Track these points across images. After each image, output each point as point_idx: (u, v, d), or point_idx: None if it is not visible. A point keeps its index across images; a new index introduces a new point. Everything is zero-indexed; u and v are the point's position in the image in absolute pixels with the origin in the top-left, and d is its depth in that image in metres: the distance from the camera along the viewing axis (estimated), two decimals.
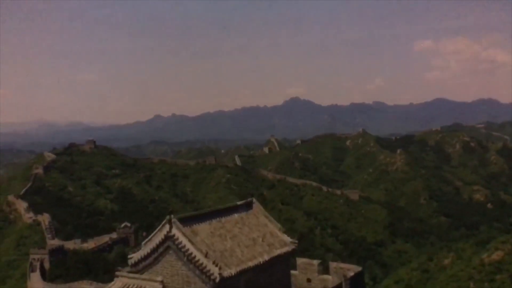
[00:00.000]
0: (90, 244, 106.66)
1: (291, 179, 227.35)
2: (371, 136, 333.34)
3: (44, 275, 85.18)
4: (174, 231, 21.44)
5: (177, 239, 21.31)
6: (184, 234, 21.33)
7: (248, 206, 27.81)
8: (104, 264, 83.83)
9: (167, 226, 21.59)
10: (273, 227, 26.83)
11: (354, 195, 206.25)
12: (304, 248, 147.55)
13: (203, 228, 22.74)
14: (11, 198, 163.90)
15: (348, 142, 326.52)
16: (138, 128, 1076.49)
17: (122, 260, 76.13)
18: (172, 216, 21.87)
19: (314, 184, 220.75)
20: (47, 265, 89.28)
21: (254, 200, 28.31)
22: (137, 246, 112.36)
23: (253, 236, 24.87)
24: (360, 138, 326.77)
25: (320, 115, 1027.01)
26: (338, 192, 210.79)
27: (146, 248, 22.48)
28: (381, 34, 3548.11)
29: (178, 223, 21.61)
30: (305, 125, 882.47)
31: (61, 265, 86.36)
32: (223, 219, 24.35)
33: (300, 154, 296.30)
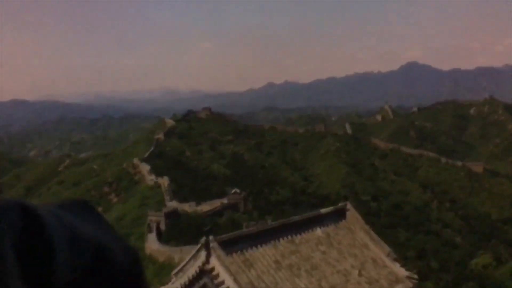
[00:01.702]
0: (204, 207, 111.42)
1: (405, 149, 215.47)
2: (500, 103, 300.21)
3: (160, 236, 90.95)
4: (213, 262, 14.37)
5: (217, 276, 14.11)
6: (227, 269, 13.94)
7: (339, 215, 18.56)
8: (215, 229, 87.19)
9: (203, 254, 14.72)
10: (378, 251, 17.78)
11: (477, 168, 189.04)
12: (419, 222, 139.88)
13: (263, 253, 15.08)
14: (136, 161, 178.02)
15: (472, 110, 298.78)
16: (252, 95, 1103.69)
17: (232, 226, 78.50)
18: (211, 236, 14.94)
19: (432, 154, 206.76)
20: (163, 227, 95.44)
21: (348, 205, 19.24)
22: (246, 212, 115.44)
23: (345, 266, 16.30)
24: (486, 105, 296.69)
25: (440, 80, 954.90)
26: (459, 164, 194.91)
27: (176, 284, 15.78)
28: None
29: (219, 249, 14.26)
30: (423, 92, 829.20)
31: (176, 228, 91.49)
32: (297, 238, 16.09)
33: (416, 123, 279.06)
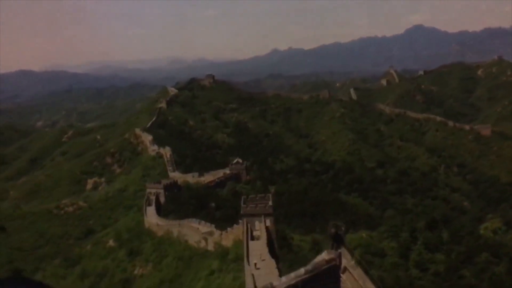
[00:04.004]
0: (207, 178, 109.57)
1: (411, 113, 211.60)
2: (509, 63, 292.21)
3: (159, 209, 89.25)
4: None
5: None
6: None
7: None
8: (216, 200, 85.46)
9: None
10: None
11: (485, 130, 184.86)
12: (427, 187, 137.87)
13: None
14: (138, 131, 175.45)
15: (479, 71, 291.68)
16: (256, 63, 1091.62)
17: (234, 197, 76.57)
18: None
19: (439, 118, 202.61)
20: (162, 199, 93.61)
21: (343, 250, 16.45)
22: (248, 183, 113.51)
23: None
24: (494, 66, 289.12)
25: (446, 43, 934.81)
26: (467, 127, 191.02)
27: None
28: None
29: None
30: (429, 55, 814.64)
31: (175, 200, 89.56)
32: None
33: (422, 86, 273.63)
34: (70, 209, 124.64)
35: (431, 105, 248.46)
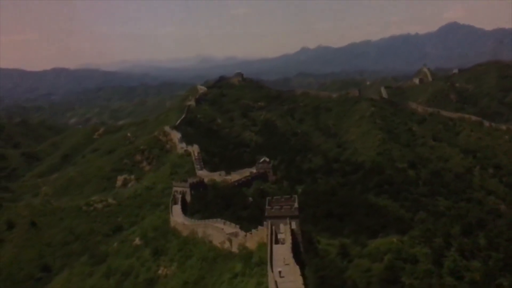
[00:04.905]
0: (234, 177, 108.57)
1: (445, 113, 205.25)
2: None
3: (185, 208, 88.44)
4: None
5: None
6: None
7: None
8: (242, 200, 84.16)
9: None
10: None
11: None
12: (461, 189, 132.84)
13: None
14: (167, 128, 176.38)
15: None
16: (285, 61, 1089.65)
17: (260, 196, 75.06)
18: None
19: (473, 118, 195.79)
20: (188, 198, 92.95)
21: None
22: (275, 182, 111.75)
23: None
24: None
25: (482, 41, 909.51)
26: (503, 127, 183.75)
27: None
28: None
29: None
30: (464, 53, 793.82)
31: (201, 199, 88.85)
32: None
33: (457, 85, 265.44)
34: (99, 206, 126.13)
35: (466, 104, 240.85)
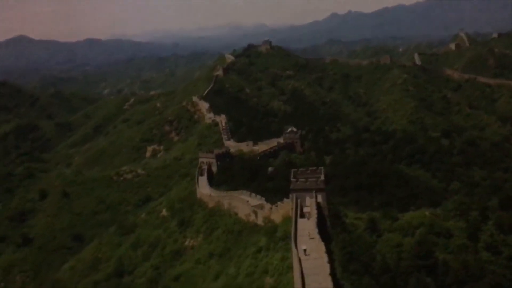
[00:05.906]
0: (261, 147, 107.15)
1: (483, 79, 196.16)
2: None
3: (211, 179, 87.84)
4: None
5: None
6: None
7: None
8: (270, 171, 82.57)
9: None
10: None
11: None
12: (498, 159, 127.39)
13: None
14: (195, 98, 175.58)
15: None
16: (315, 28, 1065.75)
17: (287, 168, 73.28)
18: None
19: None
20: (214, 169, 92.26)
21: None
22: (303, 152, 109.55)
23: None
24: None
25: None
26: None
27: None
28: None
29: None
30: (505, 16, 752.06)
31: (227, 171, 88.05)
32: None
33: (496, 50, 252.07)
34: (129, 176, 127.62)
35: (505, 70, 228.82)
